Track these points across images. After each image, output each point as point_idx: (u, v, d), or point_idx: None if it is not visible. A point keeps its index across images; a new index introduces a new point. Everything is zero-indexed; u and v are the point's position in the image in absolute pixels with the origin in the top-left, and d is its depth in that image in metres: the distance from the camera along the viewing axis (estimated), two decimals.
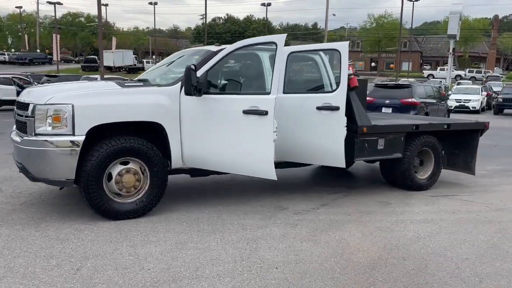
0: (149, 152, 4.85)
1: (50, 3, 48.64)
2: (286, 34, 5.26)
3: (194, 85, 4.74)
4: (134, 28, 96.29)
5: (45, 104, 4.49)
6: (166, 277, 3.54)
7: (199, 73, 4.94)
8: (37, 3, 71.42)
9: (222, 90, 5.36)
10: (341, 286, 3.53)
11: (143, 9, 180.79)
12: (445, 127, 7.11)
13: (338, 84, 5.47)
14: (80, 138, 4.51)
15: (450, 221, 5.32)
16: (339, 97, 5.42)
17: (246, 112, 4.82)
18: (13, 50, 74.05)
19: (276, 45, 4.89)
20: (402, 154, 6.60)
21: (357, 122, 6.08)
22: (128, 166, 4.81)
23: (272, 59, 5.01)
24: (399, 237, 4.69)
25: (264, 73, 5.25)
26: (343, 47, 5.52)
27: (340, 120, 5.42)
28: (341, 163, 5.59)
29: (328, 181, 7.42)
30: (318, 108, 5.43)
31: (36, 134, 4.52)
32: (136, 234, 4.44)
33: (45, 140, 4.47)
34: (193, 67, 4.82)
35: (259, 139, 4.85)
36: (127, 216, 4.81)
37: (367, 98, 16.72)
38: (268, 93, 4.86)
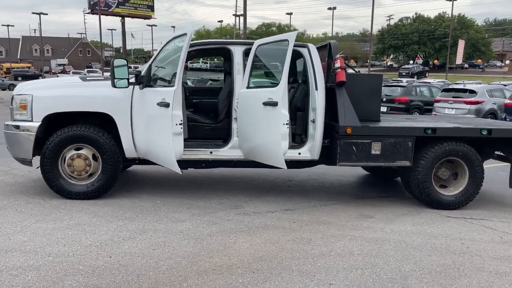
0: (100, 140, 5.30)
1: (236, 15, 54.11)
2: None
3: (126, 78, 4.98)
4: (322, 34, 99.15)
5: (16, 94, 5.38)
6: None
7: (145, 66, 5.21)
8: (238, 15, 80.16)
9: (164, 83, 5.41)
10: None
11: (327, 15, 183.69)
12: (484, 133, 5.57)
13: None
14: (36, 124, 5.24)
15: (413, 248, 4.26)
16: (278, 92, 4.88)
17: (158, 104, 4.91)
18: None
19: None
20: (410, 162, 5.49)
21: (339, 121, 5.35)
22: (80, 151, 5.35)
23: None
24: (305, 250, 4.02)
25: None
26: (291, 37, 4.97)
27: (277, 116, 4.86)
28: (280, 163, 5.01)
29: (334, 186, 6.62)
30: (264, 104, 5.00)
31: (14, 120, 5.45)
32: (62, 213, 4.92)
33: (14, 126, 5.35)
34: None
35: (162, 131, 4.89)
36: (78, 197, 5.35)
37: (507, 101, 14.00)
38: (172, 86, 4.86)
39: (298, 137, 5.78)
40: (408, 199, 6.01)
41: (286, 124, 4.89)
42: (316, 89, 5.52)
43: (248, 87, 5.42)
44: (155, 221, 4.70)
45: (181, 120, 4.75)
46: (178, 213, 5.02)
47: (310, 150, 5.61)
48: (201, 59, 40.91)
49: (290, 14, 72.55)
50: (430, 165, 5.52)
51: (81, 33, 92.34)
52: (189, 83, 20.00)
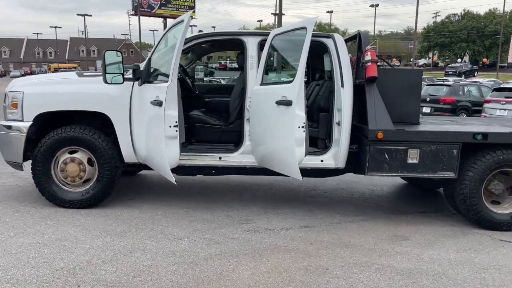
0: (95, 142, 4.73)
1: (275, 14, 53.28)
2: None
3: (121, 72, 4.38)
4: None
5: (9, 91, 4.90)
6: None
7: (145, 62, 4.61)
8: (276, 14, 79.27)
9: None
10: None
11: (369, 13, 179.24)
12: None
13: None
14: (27, 124, 4.73)
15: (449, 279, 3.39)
16: (293, 89, 4.11)
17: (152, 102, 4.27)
18: None
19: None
20: (455, 173, 4.59)
21: (369, 124, 4.53)
22: (74, 155, 4.80)
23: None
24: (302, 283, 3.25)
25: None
26: (309, 24, 4.19)
27: (291, 117, 4.09)
28: (294, 173, 4.23)
29: (365, 197, 5.76)
30: (277, 103, 4.25)
31: (6, 120, 4.97)
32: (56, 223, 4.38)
33: (6, 126, 4.86)
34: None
35: (156, 134, 4.26)
36: (71, 205, 4.81)
37: None
38: (166, 81, 4.17)
39: (321, 141, 4.99)
40: (452, 215, 5.08)
41: (302, 127, 4.11)
42: (342, 86, 4.71)
43: (261, 84, 4.69)
44: (147, 238, 4.06)
45: (176, 122, 4.07)
46: (178, 228, 4.36)
47: (334, 157, 4.81)
48: (228, 58, 40.32)
49: (331, 12, 71.22)
50: (479, 178, 4.59)
51: (125, 34, 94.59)
52: (206, 80, 19.96)
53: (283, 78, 4.84)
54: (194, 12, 59.86)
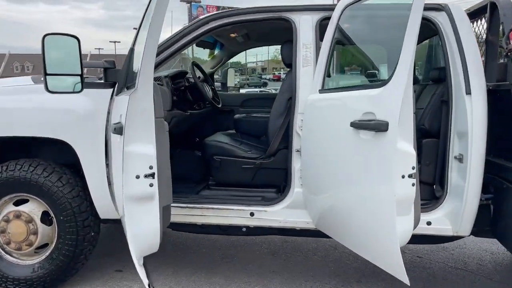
0: (52, 188, 2.93)
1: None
2: None
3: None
4: None
5: None
6: None
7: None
8: None
9: None
10: None
11: None
12: None
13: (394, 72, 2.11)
14: None
15: None
16: (390, 100, 2.08)
17: None
18: None
19: None
20: None
21: None
22: (21, 207, 3.01)
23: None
24: None
25: None
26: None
27: (387, 156, 2.05)
28: (393, 268, 2.16)
29: (504, 278, 3.55)
30: (354, 126, 2.23)
31: None
32: None
33: None
34: None
35: (118, 188, 2.54)
36: (17, 286, 3.03)
37: None
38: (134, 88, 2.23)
39: (425, 189, 2.91)
40: None
41: (411, 176, 2.06)
42: (468, 92, 2.62)
43: (323, 90, 2.71)
44: None
45: (151, 167, 2.15)
46: None
47: (452, 216, 2.73)
48: (282, 70, 38.03)
49: None
50: None
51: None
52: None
53: (365, 80, 2.83)
54: None
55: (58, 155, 3.12)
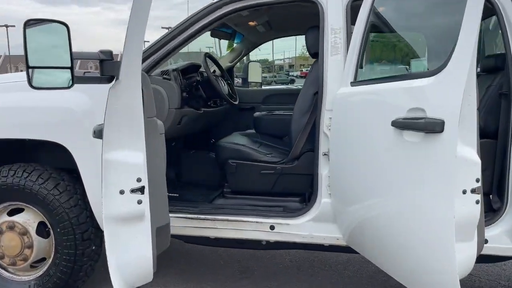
0: (47, 196, 2.61)
1: None
2: None
3: None
4: None
5: None
6: None
7: None
8: None
9: None
10: None
11: None
12: None
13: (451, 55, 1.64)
14: None
15: None
16: (444, 92, 1.62)
17: None
18: None
19: None
20: None
21: None
22: (15, 217, 2.70)
23: None
24: None
25: None
26: None
27: (443, 166, 1.59)
28: None
29: None
30: (395, 125, 1.79)
31: None
32: None
33: None
34: None
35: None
36: None
37: None
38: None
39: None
40: None
41: (474, 191, 1.61)
42: None
43: (355, 83, 2.27)
44: None
45: (139, 180, 1.75)
46: None
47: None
48: (310, 66, 37.43)
49: None
50: None
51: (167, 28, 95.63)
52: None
53: (410, 68, 2.37)
54: None
55: (58, 159, 2.79)
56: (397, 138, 1.80)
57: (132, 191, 1.70)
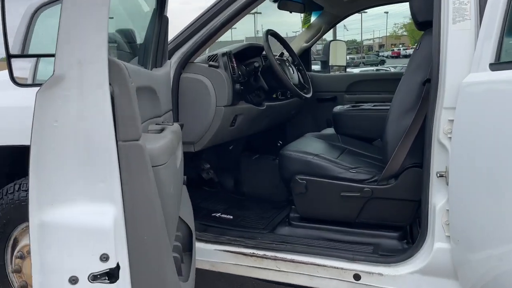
0: None
1: None
2: None
3: None
4: None
5: None
6: None
7: None
8: None
9: None
10: None
11: None
12: None
13: None
14: None
15: None
16: None
17: None
18: None
19: None
20: None
21: None
22: None
23: None
24: None
25: None
26: None
27: None
28: None
29: None
30: None
31: None
32: None
33: None
34: None
35: None
36: None
37: None
38: None
39: None
40: None
41: None
42: None
43: (499, 64, 1.38)
44: None
45: (104, 257, 0.96)
46: None
47: None
48: (401, 45, 34.53)
49: None
50: None
51: None
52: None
53: None
54: None
55: None
56: None
57: (94, 278, 0.99)
